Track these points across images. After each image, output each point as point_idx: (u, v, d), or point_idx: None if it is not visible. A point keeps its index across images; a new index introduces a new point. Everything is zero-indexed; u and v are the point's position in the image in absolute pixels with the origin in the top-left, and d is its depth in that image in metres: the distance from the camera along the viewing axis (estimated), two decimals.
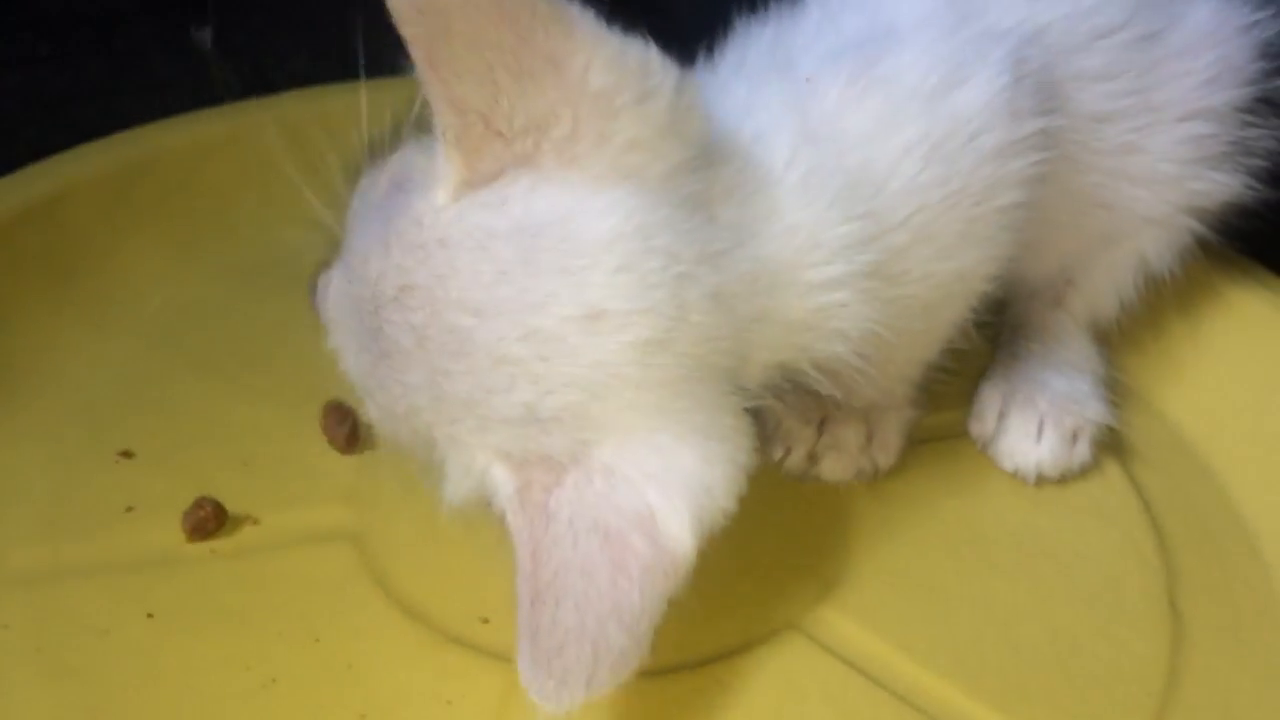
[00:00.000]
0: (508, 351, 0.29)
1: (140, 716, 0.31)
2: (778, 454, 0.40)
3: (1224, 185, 0.42)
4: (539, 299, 0.29)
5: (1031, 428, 0.41)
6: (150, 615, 0.34)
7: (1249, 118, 0.42)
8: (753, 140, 0.33)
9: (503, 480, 0.30)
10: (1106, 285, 0.44)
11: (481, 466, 0.30)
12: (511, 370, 0.29)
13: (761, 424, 0.40)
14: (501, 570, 0.35)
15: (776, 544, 0.38)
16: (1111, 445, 0.42)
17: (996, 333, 0.46)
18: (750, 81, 0.35)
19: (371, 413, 0.32)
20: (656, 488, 0.29)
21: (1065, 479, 0.40)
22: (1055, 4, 0.39)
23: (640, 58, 0.29)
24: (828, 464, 0.40)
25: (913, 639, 0.35)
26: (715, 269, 0.30)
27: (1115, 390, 0.44)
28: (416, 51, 0.28)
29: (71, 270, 0.46)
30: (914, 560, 0.37)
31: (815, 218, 0.32)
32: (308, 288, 0.35)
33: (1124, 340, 0.45)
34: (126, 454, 0.39)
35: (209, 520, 0.37)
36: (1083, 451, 0.41)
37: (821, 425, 0.40)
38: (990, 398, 0.42)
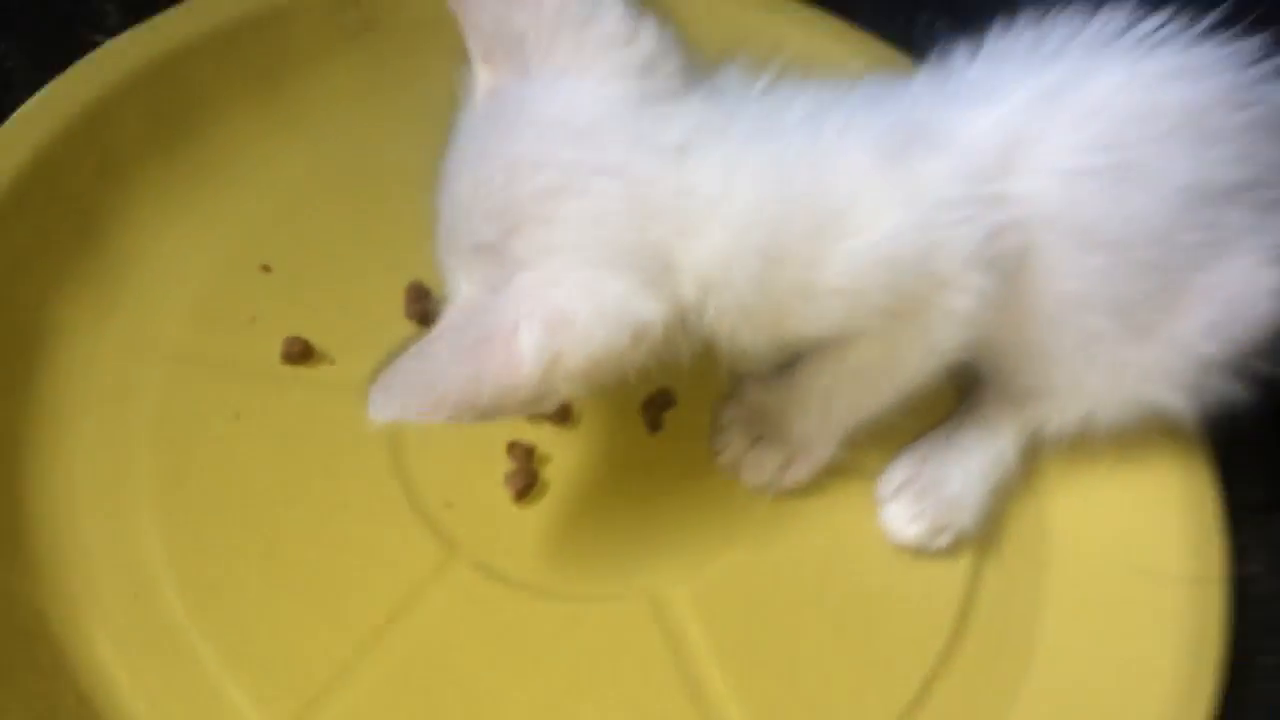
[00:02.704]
0: (463, 193, 0.42)
1: (200, 492, 0.47)
2: (716, 446, 0.52)
3: (1176, 408, 0.48)
4: (487, 152, 0.41)
5: (912, 512, 0.50)
6: (237, 416, 0.49)
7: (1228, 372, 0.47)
8: (757, 118, 0.42)
9: (464, 295, 0.42)
10: (1054, 418, 0.51)
11: (458, 287, 0.42)
12: (466, 207, 0.41)
13: (714, 419, 0.52)
14: (469, 464, 0.50)
15: (666, 519, 0.50)
16: (976, 542, 0.51)
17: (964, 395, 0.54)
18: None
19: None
20: (527, 306, 0.39)
21: (920, 555, 0.51)
22: (1081, 204, 0.43)
23: (594, 7, 0.41)
24: (746, 472, 0.51)
25: (725, 640, 0.47)
26: (628, 162, 0.40)
27: (1016, 494, 0.52)
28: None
29: (279, 83, 0.57)
30: (766, 571, 0.49)
31: (751, 199, 0.41)
32: None
33: (1055, 451, 0.53)
34: (266, 268, 0.54)
35: (298, 354, 0.51)
36: (942, 542, 0.50)
37: (754, 441, 0.51)
38: (901, 470, 0.51)
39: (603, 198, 0.40)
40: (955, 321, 0.44)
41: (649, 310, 0.39)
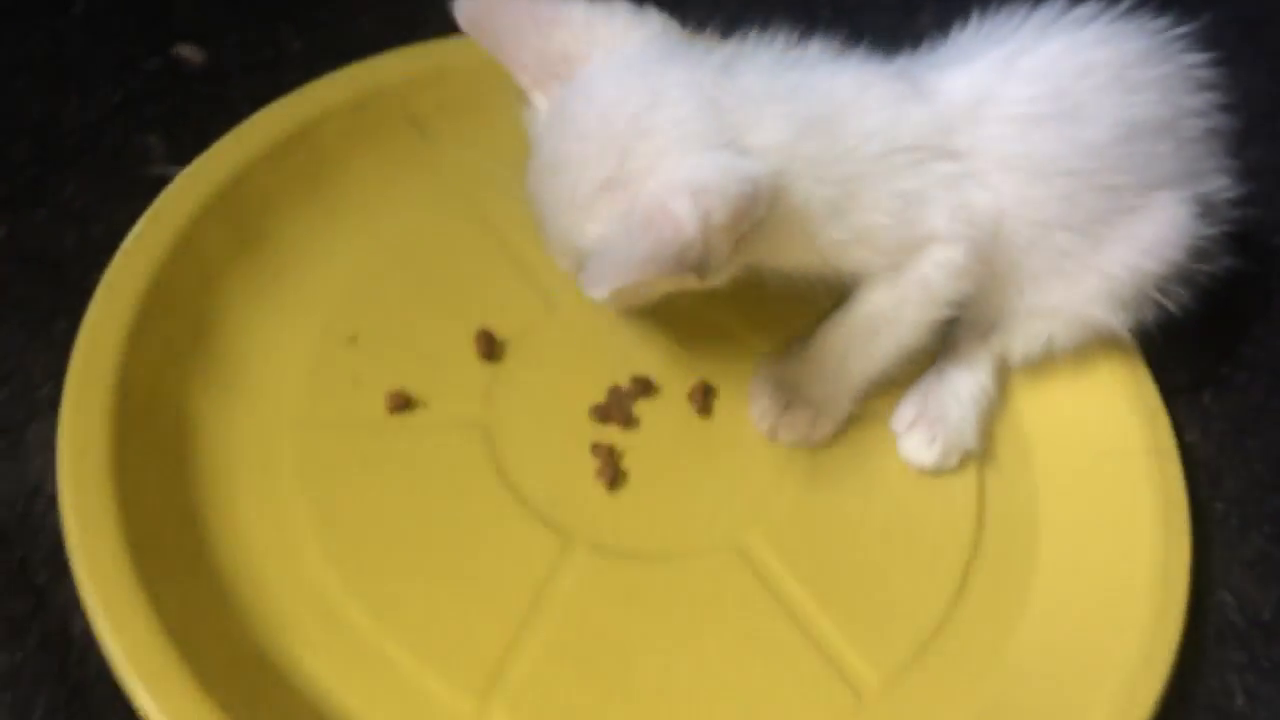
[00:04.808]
0: (567, 161, 0.52)
1: (351, 529, 0.56)
2: (754, 417, 0.62)
3: (1116, 324, 0.60)
4: (575, 120, 0.53)
5: (926, 440, 0.62)
6: (365, 463, 0.58)
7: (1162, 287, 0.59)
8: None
9: (596, 234, 0.52)
10: (1019, 344, 0.63)
11: (597, 234, 0.52)
12: (577, 167, 0.52)
13: (750, 396, 0.63)
14: (562, 469, 0.60)
15: (731, 481, 0.61)
16: (977, 457, 0.63)
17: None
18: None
19: (550, 249, 0.56)
20: (667, 187, 0.49)
21: (937, 473, 0.62)
22: (1038, 143, 0.56)
23: (608, 7, 0.54)
24: (783, 433, 0.62)
25: (800, 565, 0.58)
26: (690, 76, 0.52)
27: (998, 414, 0.64)
28: (487, 48, 0.54)
29: (319, 184, 0.66)
30: (819, 510, 0.60)
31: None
32: None
33: (1024, 372, 0.65)
34: (353, 339, 0.63)
35: (401, 405, 0.60)
36: (952, 462, 0.62)
37: (785, 407, 0.62)
38: (909, 408, 0.63)
39: (682, 104, 0.51)
40: (949, 273, 0.56)
41: (756, 168, 0.50)
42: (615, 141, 0.51)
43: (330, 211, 0.66)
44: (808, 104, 0.53)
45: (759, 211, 0.50)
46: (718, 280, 0.54)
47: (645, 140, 0.50)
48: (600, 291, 0.48)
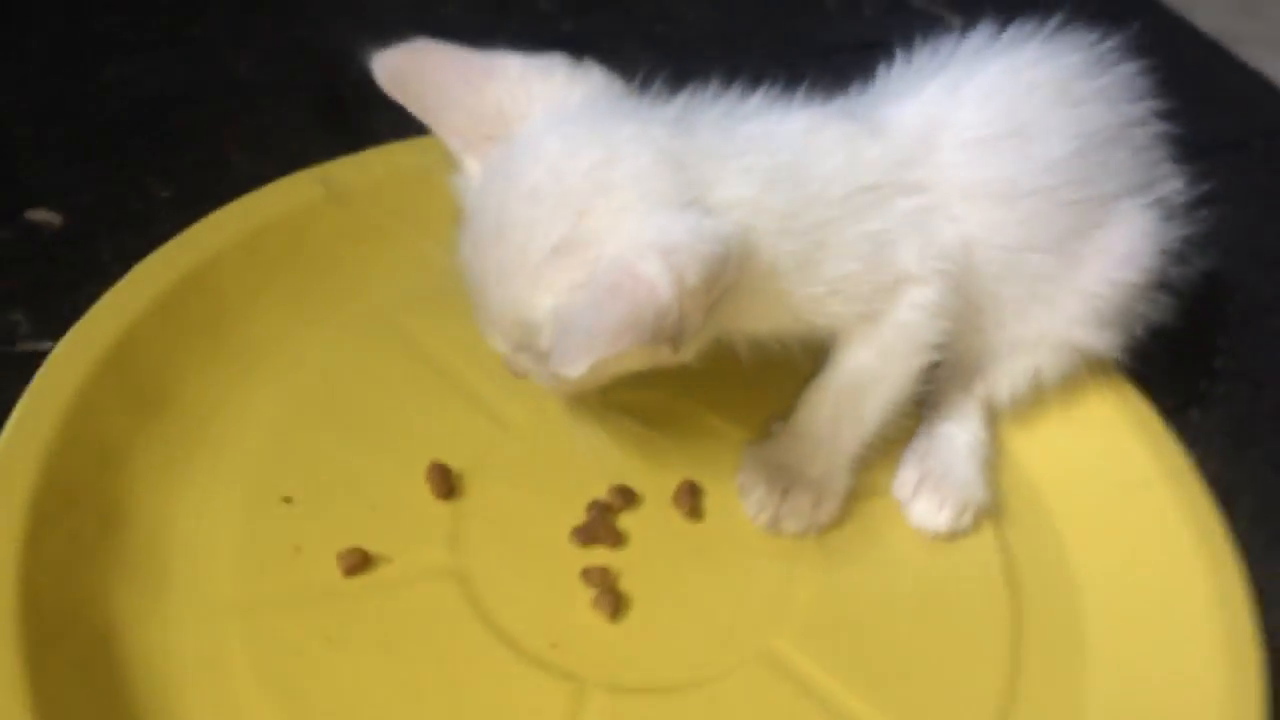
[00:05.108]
0: (522, 215, 0.46)
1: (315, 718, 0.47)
2: (751, 512, 0.57)
3: (1103, 345, 0.57)
4: (518, 181, 0.47)
5: (936, 503, 0.57)
6: (329, 639, 0.50)
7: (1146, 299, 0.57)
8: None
9: (548, 306, 0.46)
10: (1005, 384, 0.59)
11: (549, 306, 0.46)
12: (524, 230, 0.46)
13: (742, 492, 0.57)
14: (554, 604, 0.52)
15: (741, 586, 0.54)
16: (990, 511, 0.58)
17: (920, 403, 0.61)
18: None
19: (487, 335, 0.50)
20: (633, 249, 0.44)
21: (953, 538, 0.57)
22: (997, 165, 0.53)
23: (546, 62, 0.49)
24: (786, 522, 0.56)
25: (837, 665, 0.52)
26: (644, 130, 0.47)
27: (998, 463, 0.60)
28: (412, 109, 0.49)
29: (220, 333, 0.58)
30: (842, 599, 0.54)
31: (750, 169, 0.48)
32: None
33: (1015, 415, 0.61)
34: (287, 500, 0.54)
35: (357, 564, 0.52)
36: (967, 521, 0.57)
37: (783, 494, 0.56)
38: (909, 472, 0.58)
39: (639, 158, 0.46)
40: (928, 313, 0.53)
41: (725, 227, 0.46)
42: (570, 199, 0.45)
43: (239, 362, 0.58)
44: (766, 155, 0.49)
45: (730, 274, 0.46)
46: (688, 354, 0.49)
47: (604, 197, 0.45)
48: (576, 369, 0.42)
